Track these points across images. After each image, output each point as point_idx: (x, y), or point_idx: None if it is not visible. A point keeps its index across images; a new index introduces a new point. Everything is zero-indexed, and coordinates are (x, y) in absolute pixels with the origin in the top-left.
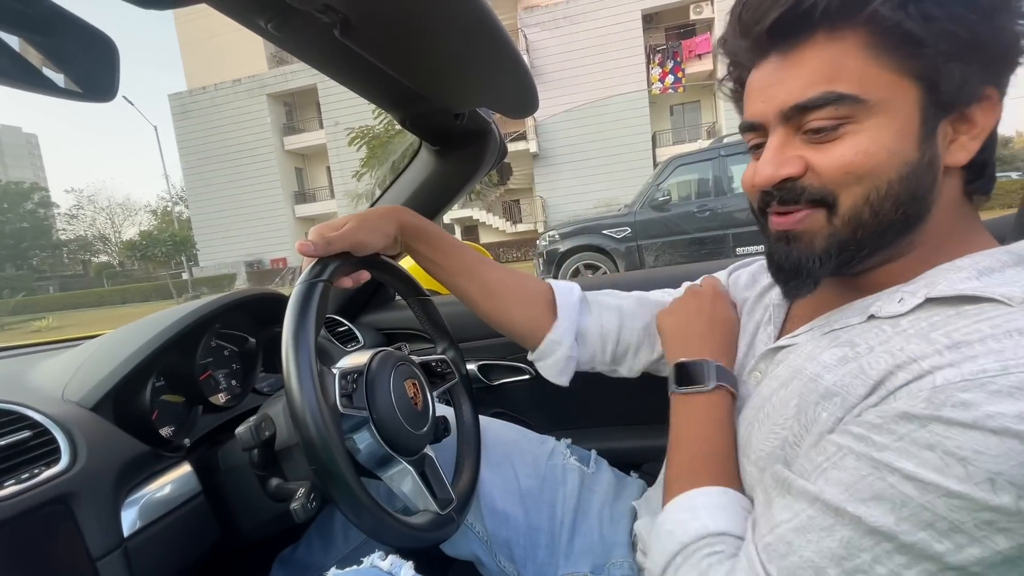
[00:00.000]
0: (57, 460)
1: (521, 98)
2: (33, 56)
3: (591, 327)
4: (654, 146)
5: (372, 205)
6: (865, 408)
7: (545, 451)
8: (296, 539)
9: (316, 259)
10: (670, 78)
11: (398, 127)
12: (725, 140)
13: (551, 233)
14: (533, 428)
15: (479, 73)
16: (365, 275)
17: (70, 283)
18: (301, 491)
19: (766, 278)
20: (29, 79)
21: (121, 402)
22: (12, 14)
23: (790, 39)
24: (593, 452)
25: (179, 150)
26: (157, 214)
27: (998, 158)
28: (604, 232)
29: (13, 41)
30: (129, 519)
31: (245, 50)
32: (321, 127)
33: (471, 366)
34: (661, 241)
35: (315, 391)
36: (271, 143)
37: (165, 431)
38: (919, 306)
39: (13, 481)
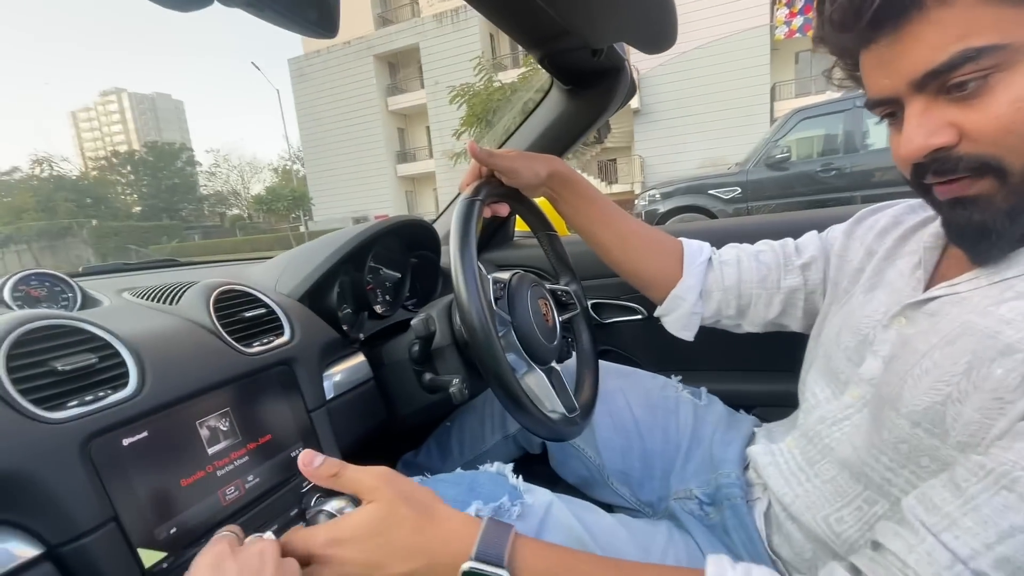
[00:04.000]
0: (282, 333)
1: (660, 31)
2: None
3: (713, 283)
4: (772, 99)
5: (502, 144)
6: None
7: (657, 384)
8: (417, 446)
9: (474, 183)
10: (799, 19)
11: (497, 85)
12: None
13: (651, 192)
14: (642, 368)
15: (625, 4)
16: (503, 210)
17: (211, 232)
18: (457, 380)
19: (912, 219)
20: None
21: (316, 299)
22: None
23: (898, 20)
24: (704, 389)
25: (297, 112)
26: (278, 172)
27: None
28: (711, 192)
29: None
30: (327, 387)
31: (353, 11)
32: (422, 87)
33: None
34: (775, 203)
35: (478, 289)
36: (376, 104)
37: (344, 327)
38: None
39: (258, 343)
